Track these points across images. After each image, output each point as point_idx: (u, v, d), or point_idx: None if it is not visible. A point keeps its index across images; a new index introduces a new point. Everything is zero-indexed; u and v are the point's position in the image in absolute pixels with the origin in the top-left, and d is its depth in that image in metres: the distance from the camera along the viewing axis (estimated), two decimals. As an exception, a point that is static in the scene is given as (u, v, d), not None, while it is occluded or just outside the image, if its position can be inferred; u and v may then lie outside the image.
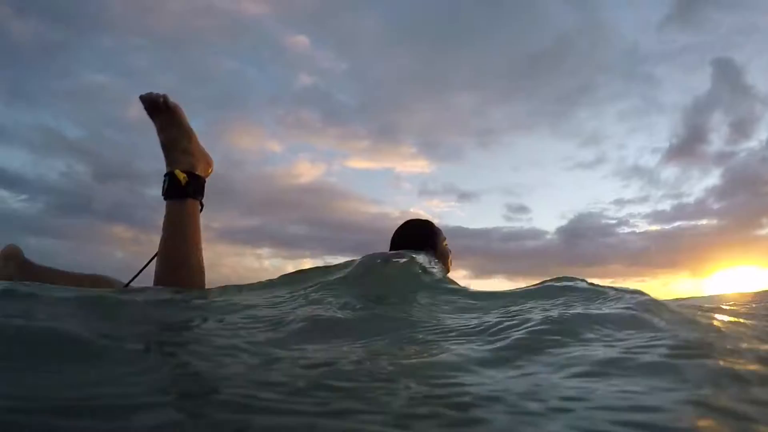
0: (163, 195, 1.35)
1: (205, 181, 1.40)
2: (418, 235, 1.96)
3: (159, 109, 1.36)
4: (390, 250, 1.96)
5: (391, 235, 2.05)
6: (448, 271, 1.96)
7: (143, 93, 1.37)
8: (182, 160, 1.36)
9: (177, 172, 1.32)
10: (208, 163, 1.44)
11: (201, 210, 1.38)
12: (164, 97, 1.36)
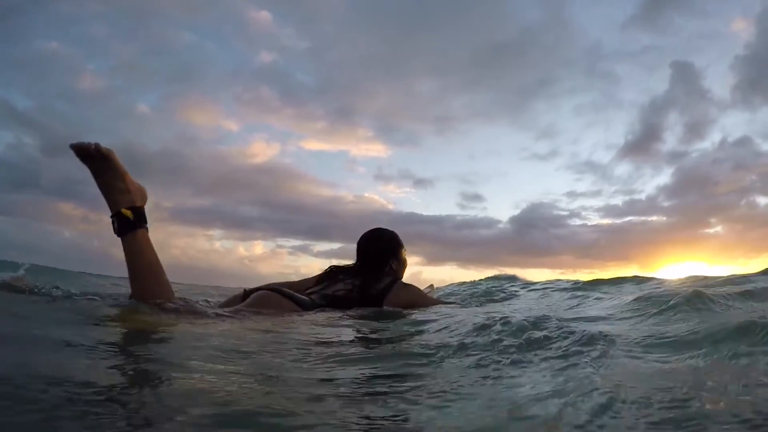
0: (116, 234, 1.53)
1: (144, 209, 1.58)
2: (385, 248, 2.31)
3: (92, 156, 1.48)
4: (358, 258, 2.30)
5: (358, 240, 2.35)
6: (401, 277, 2.34)
7: (74, 142, 1.48)
8: (123, 199, 1.52)
9: (123, 211, 1.51)
10: (143, 193, 1.61)
11: (145, 222, 1.57)
12: (96, 144, 1.48)
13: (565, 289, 3.03)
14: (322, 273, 2.31)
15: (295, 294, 1.98)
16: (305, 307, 1.95)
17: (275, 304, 1.87)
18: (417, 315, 1.91)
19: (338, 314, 1.90)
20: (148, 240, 1.55)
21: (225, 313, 1.64)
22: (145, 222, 1.56)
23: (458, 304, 2.50)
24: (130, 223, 1.51)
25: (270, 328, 1.50)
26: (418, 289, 2.26)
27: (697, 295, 1.55)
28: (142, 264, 1.52)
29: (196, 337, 1.25)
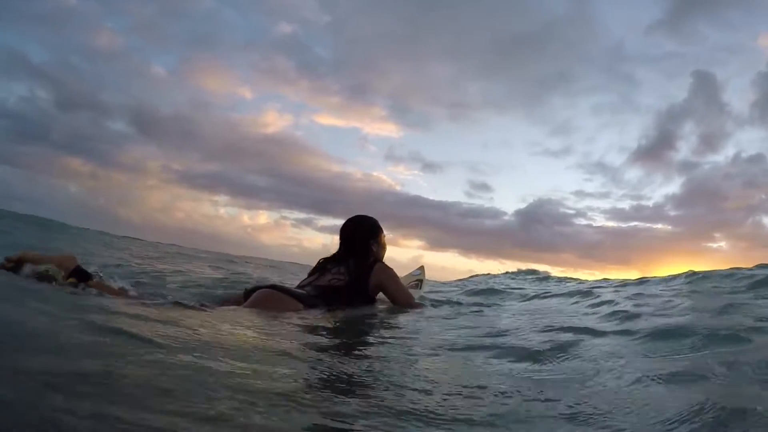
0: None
1: (78, 267, 1.90)
2: (367, 233, 2.56)
3: (7, 268, 1.79)
4: (341, 243, 2.56)
5: (341, 227, 2.62)
6: (381, 259, 2.58)
7: None
8: (58, 275, 1.82)
9: (69, 281, 1.83)
10: (67, 257, 1.92)
11: (89, 277, 1.90)
12: (5, 260, 1.81)
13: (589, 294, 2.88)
14: (314, 266, 2.55)
15: (295, 290, 2.16)
16: (305, 301, 2.09)
17: (278, 301, 1.99)
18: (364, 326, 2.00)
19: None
20: (98, 284, 1.91)
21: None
22: (88, 274, 1.91)
23: (426, 306, 2.64)
24: (80, 282, 1.87)
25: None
26: (393, 273, 2.48)
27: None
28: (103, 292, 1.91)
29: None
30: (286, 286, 2.21)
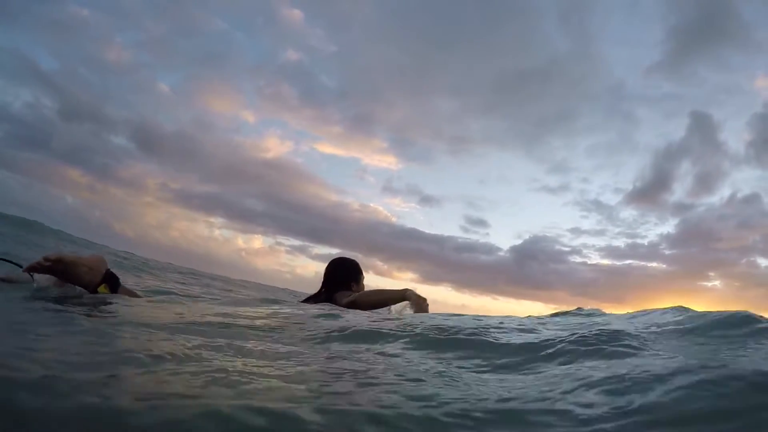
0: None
1: (109, 272, 1.82)
2: (348, 274, 2.77)
3: (46, 268, 1.66)
4: (324, 281, 2.77)
5: (326, 267, 2.81)
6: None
7: (24, 267, 1.69)
8: (92, 280, 1.75)
9: (100, 290, 1.77)
10: (100, 259, 1.83)
11: (119, 283, 1.84)
12: (43, 258, 1.66)
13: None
14: (301, 301, 2.74)
15: None
16: None
17: None
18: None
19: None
20: (127, 291, 1.89)
21: None
22: (118, 279, 1.85)
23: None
24: (110, 291, 1.81)
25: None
26: (346, 293, 2.61)
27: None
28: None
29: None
30: None
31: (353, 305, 2.44)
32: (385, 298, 2.52)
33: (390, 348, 1.31)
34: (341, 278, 2.74)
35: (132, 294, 1.90)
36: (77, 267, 1.70)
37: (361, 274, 2.84)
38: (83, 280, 1.73)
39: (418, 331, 1.46)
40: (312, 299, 2.70)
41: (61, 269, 1.68)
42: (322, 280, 2.78)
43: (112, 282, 1.80)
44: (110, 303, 1.63)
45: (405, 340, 1.38)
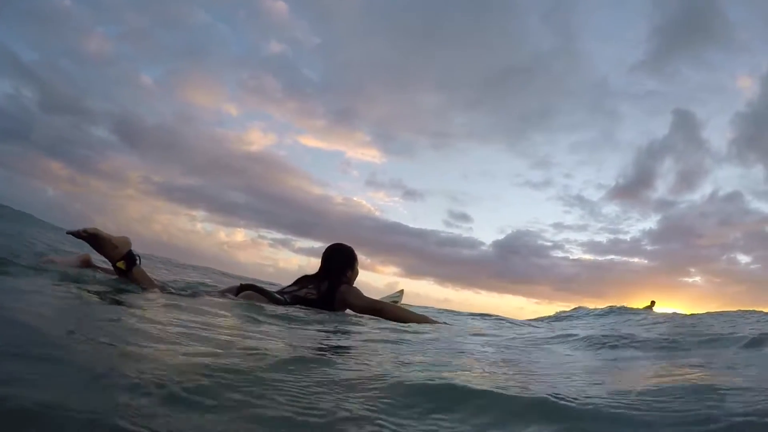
0: (119, 276, 2.17)
1: (130, 251, 2.14)
2: (345, 260, 3.01)
3: (84, 238, 2.04)
4: (321, 266, 3.00)
5: (323, 252, 3.05)
6: (353, 284, 3.00)
7: (69, 230, 2.08)
8: (115, 255, 2.11)
9: (118, 264, 2.12)
10: (126, 240, 2.14)
11: (139, 260, 2.17)
12: (84, 229, 2.05)
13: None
14: (297, 279, 3.00)
15: (275, 295, 2.64)
16: (281, 305, 2.55)
17: (260, 302, 2.48)
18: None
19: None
20: (141, 272, 2.19)
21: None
22: (135, 260, 2.16)
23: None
24: (126, 269, 2.13)
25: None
26: (355, 292, 2.87)
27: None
28: (142, 283, 2.20)
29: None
30: (268, 290, 2.68)
31: (376, 313, 2.77)
32: (409, 319, 2.73)
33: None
34: (339, 263, 2.97)
35: (144, 277, 2.19)
36: (106, 242, 2.08)
37: (356, 260, 3.06)
38: (108, 254, 2.10)
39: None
40: (310, 280, 2.91)
41: (93, 241, 2.06)
42: (321, 264, 3.00)
43: (129, 261, 2.14)
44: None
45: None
